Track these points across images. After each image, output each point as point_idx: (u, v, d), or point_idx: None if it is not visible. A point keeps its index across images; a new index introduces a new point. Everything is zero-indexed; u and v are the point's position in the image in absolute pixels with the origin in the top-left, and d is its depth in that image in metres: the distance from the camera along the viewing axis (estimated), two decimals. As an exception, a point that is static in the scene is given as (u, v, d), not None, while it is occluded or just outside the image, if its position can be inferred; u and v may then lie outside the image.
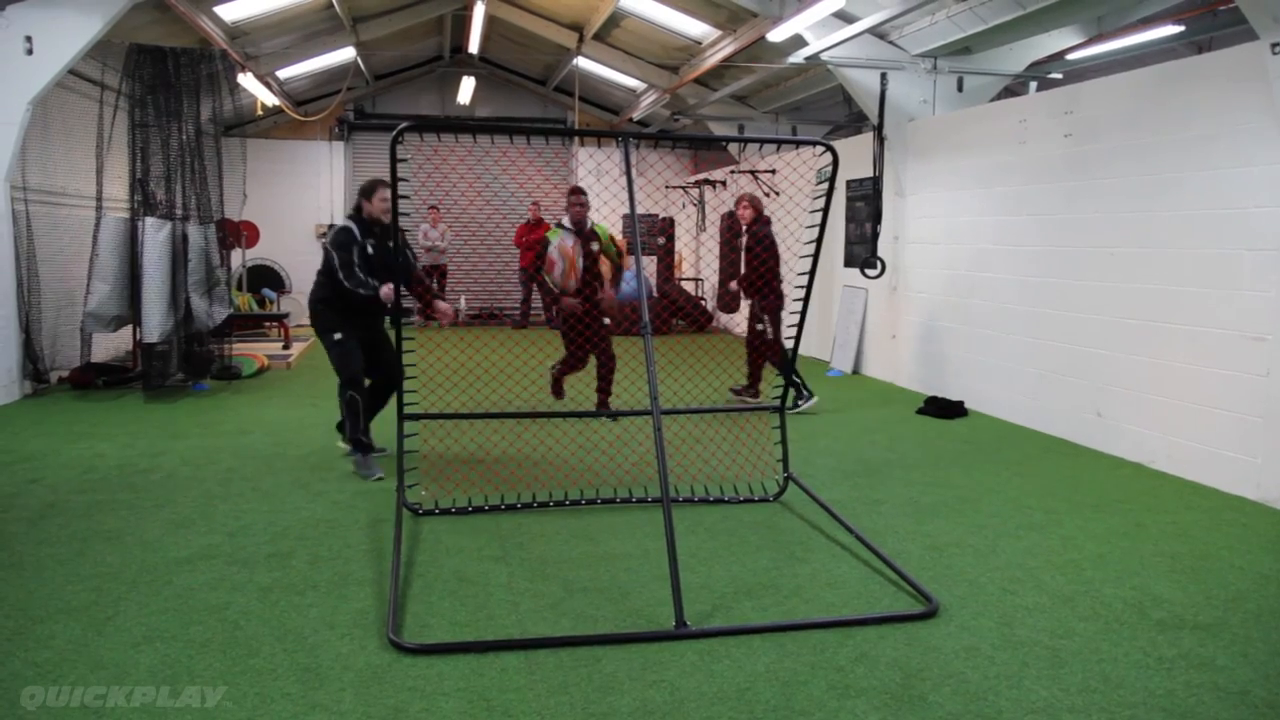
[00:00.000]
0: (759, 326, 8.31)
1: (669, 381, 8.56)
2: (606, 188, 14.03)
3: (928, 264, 9.23)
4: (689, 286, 15.95)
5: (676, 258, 16.28)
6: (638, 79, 14.20)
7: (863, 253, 9.85)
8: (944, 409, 8.11)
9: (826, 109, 13.90)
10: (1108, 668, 3.36)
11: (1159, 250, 6.31)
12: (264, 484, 5.61)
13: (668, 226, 15.83)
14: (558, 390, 7.66)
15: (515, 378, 7.77)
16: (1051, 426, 7.32)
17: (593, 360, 7.54)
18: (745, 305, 8.52)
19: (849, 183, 10.57)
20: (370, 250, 6.03)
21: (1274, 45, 5.27)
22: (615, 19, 12.09)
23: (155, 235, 8.17)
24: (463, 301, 15.82)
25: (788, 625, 3.65)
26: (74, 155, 9.55)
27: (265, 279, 15.38)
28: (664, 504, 3.93)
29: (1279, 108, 5.36)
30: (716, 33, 11.30)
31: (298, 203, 16.39)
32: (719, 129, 14.55)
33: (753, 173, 12.65)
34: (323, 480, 5.72)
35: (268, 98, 12.97)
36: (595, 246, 7.24)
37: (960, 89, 9.42)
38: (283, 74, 13.63)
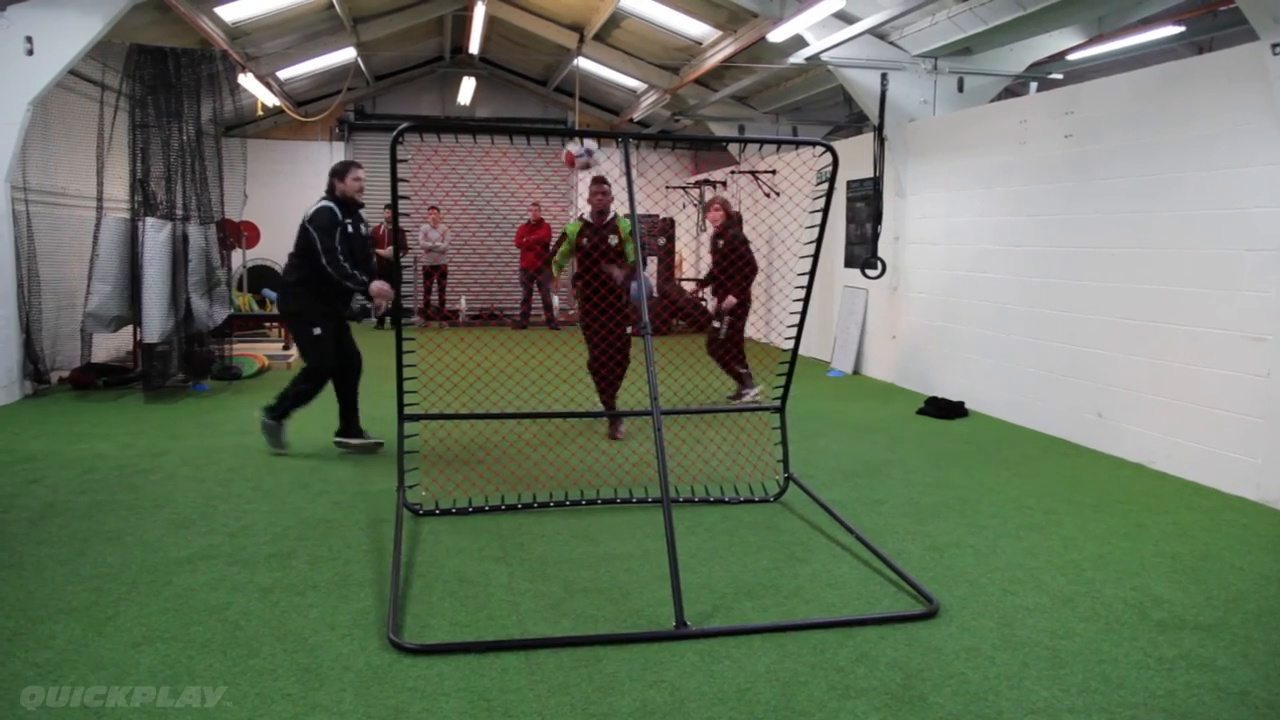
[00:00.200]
0: (715, 325, 8.34)
1: (669, 382, 8.56)
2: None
3: (928, 264, 9.23)
4: (689, 287, 15.95)
5: (677, 258, 16.28)
6: (638, 79, 14.21)
7: (863, 253, 9.85)
8: (944, 409, 8.11)
9: (827, 109, 13.91)
10: (1108, 668, 3.36)
11: (1159, 250, 6.31)
12: (264, 484, 5.61)
13: (668, 227, 15.84)
14: (614, 427, 6.98)
15: (515, 378, 7.76)
16: (1052, 427, 7.32)
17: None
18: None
19: (849, 183, 10.57)
20: (350, 230, 6.22)
21: (1274, 46, 5.27)
22: (615, 19, 12.10)
23: (156, 235, 8.17)
24: (463, 302, 15.82)
25: (788, 625, 3.65)
26: (74, 155, 9.56)
27: (265, 279, 15.36)
28: (664, 504, 3.92)
29: (1279, 108, 5.36)
30: (717, 33, 11.30)
31: (298, 203, 16.13)
32: (719, 129, 14.55)
33: (753, 173, 12.65)
34: (323, 481, 5.72)
35: (268, 98, 12.98)
36: (614, 240, 6.83)
37: (961, 89, 9.42)
38: (283, 74, 13.63)
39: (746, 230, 8.91)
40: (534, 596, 3.94)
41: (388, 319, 14.74)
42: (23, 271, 8.26)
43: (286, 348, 11.37)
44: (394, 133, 4.35)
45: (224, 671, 3.22)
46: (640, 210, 4.91)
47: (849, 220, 10.77)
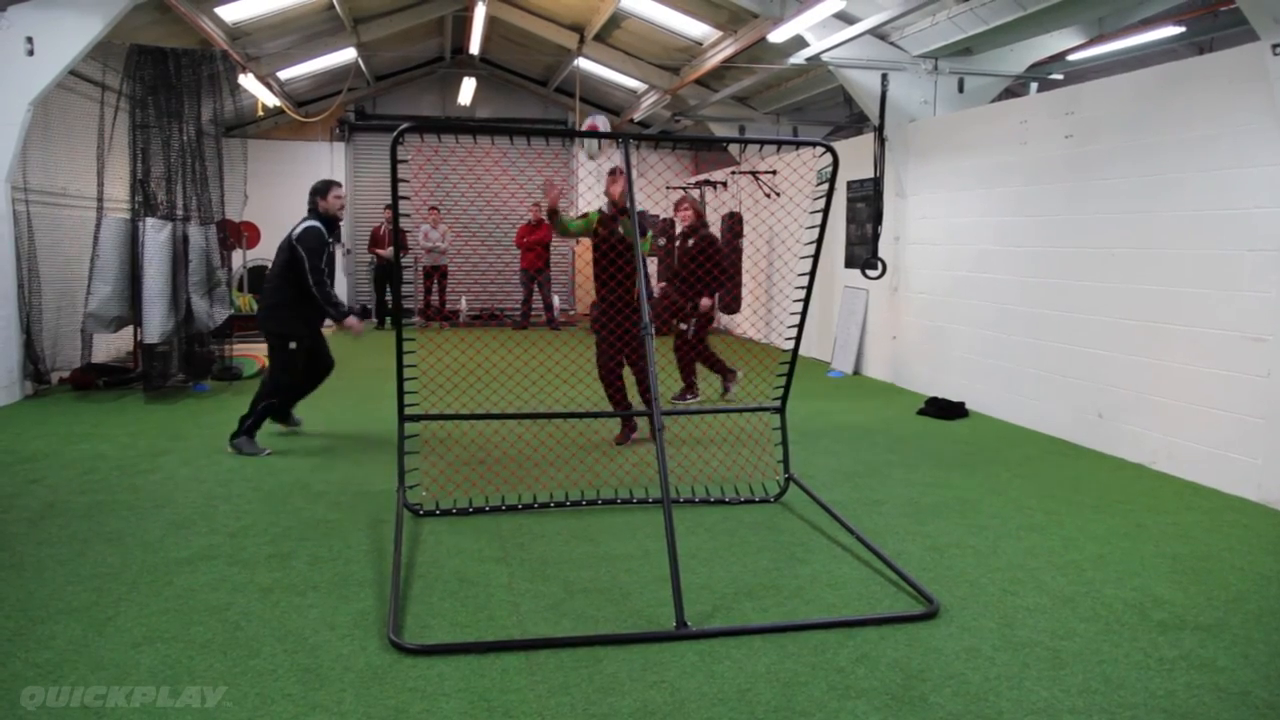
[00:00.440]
0: (683, 327, 8.30)
1: (670, 382, 8.57)
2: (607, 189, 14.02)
3: (928, 265, 9.23)
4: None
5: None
6: (638, 80, 14.21)
7: (863, 254, 9.85)
8: (945, 410, 8.11)
9: (827, 110, 13.91)
10: (1108, 669, 3.36)
11: (1160, 251, 6.31)
12: (265, 485, 5.61)
13: (668, 227, 15.82)
14: (625, 432, 6.78)
15: (516, 378, 7.76)
16: (1052, 427, 7.32)
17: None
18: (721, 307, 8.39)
19: (850, 183, 10.57)
20: (332, 249, 6.52)
21: (1275, 46, 5.27)
22: (616, 20, 12.10)
23: (156, 236, 8.18)
24: (463, 302, 15.82)
25: (788, 626, 3.65)
26: (75, 156, 9.55)
27: (266, 280, 15.37)
28: (664, 505, 3.93)
29: (1279, 108, 5.37)
30: (717, 34, 11.30)
31: (298, 204, 16.05)
32: (720, 130, 14.55)
33: (753, 173, 12.65)
34: (324, 481, 5.72)
35: (268, 98, 12.98)
36: (622, 230, 6.50)
37: (961, 90, 9.42)
38: (284, 75, 13.64)
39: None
40: (534, 597, 3.94)
41: (388, 319, 14.75)
42: (23, 272, 8.27)
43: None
44: (394, 133, 4.35)
45: (224, 672, 3.22)
46: (641, 210, 4.93)
47: (849, 221, 10.76)
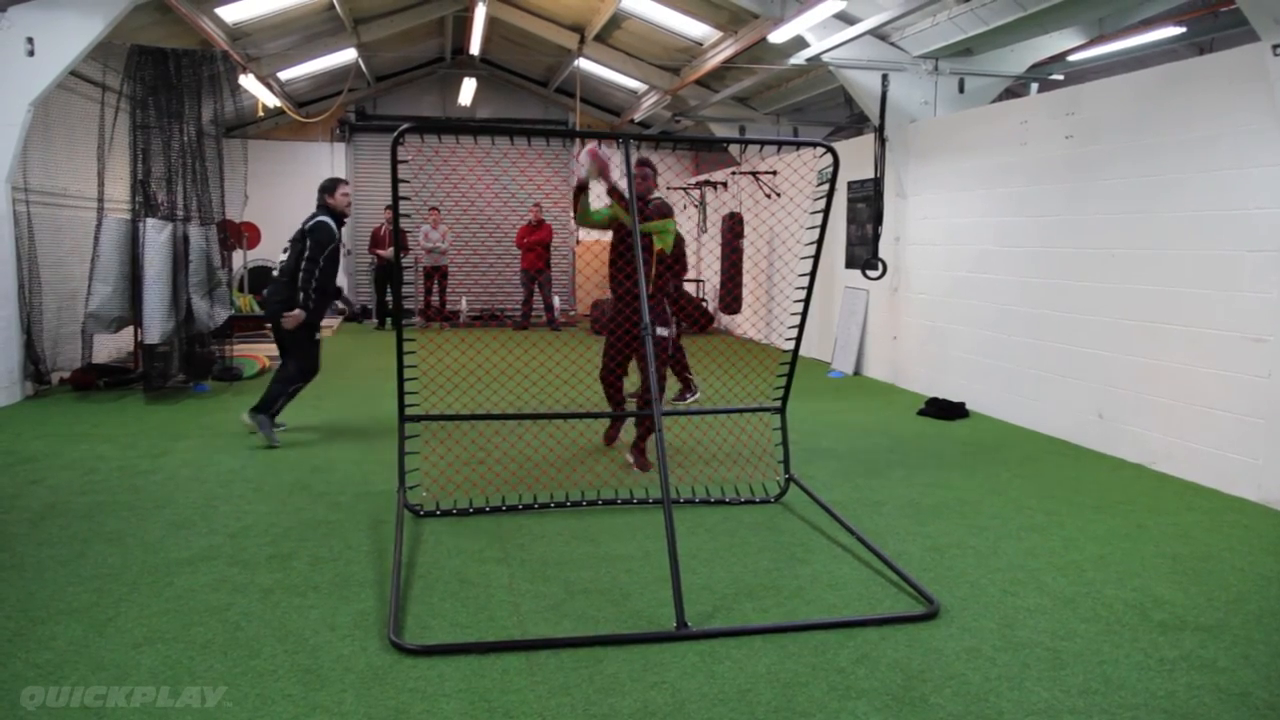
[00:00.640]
0: (662, 332, 8.10)
1: (670, 382, 8.56)
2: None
3: (929, 265, 9.23)
4: (690, 288, 15.95)
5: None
6: (639, 80, 14.21)
7: (864, 254, 9.85)
8: (945, 410, 8.11)
9: (828, 110, 13.92)
10: (1109, 669, 3.36)
11: (1160, 251, 6.31)
12: (265, 485, 5.61)
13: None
14: (638, 462, 6.17)
15: (516, 379, 7.76)
16: (1052, 428, 7.32)
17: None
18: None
19: (850, 184, 10.57)
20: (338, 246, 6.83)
21: (1275, 46, 5.27)
22: (616, 20, 12.10)
23: (156, 236, 8.18)
24: (464, 303, 15.83)
25: (789, 626, 3.65)
26: (75, 156, 9.56)
27: (266, 280, 15.35)
28: (665, 505, 3.92)
29: (1280, 109, 5.37)
30: (717, 34, 11.30)
31: (299, 204, 16.18)
32: (720, 130, 14.56)
33: (754, 174, 12.66)
34: (324, 482, 5.72)
35: (269, 99, 12.98)
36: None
37: (961, 90, 9.42)
38: (284, 75, 13.64)
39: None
40: (535, 597, 3.94)
41: (388, 320, 14.75)
42: (24, 272, 8.27)
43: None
44: (395, 133, 4.36)
45: (225, 672, 3.22)
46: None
47: (850, 221, 10.77)
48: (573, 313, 17.11)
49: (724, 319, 14.37)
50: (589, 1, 11.90)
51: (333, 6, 11.38)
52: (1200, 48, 9.52)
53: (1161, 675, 3.32)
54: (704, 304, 15.21)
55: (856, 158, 9.87)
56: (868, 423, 7.82)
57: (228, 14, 10.46)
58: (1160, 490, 5.78)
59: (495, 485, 5.45)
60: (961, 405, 8.20)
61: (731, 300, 12.20)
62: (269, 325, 6.88)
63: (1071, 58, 9.73)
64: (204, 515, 4.99)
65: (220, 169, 9.19)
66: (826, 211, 5.16)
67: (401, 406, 5.11)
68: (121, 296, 8.46)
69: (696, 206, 15.88)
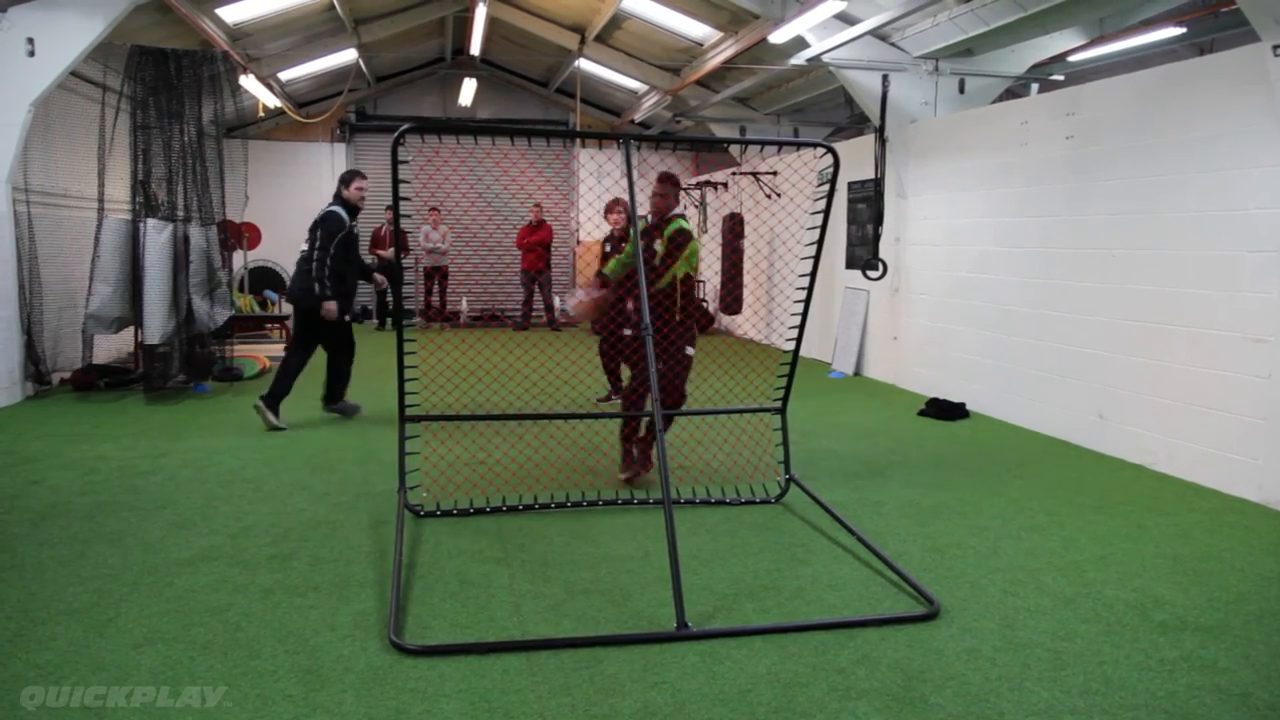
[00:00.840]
0: (627, 332, 8.03)
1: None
2: (608, 189, 14.04)
3: (929, 266, 9.23)
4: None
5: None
6: (639, 81, 14.21)
7: (864, 254, 9.85)
8: (945, 411, 8.11)
9: (828, 111, 13.91)
10: (1109, 670, 3.36)
11: (1160, 252, 6.31)
12: (266, 485, 5.61)
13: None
14: (641, 461, 5.88)
15: (516, 379, 7.76)
16: (1053, 428, 7.31)
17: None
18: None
19: (850, 184, 10.57)
20: (351, 233, 7.29)
21: (1275, 47, 5.27)
22: (617, 21, 12.10)
23: (157, 237, 8.18)
24: (464, 303, 15.83)
25: (789, 627, 3.65)
26: (76, 157, 9.56)
27: (267, 280, 15.39)
28: (665, 505, 3.93)
29: (1280, 109, 5.36)
30: (718, 34, 11.31)
31: (299, 204, 16.32)
32: (720, 131, 14.56)
33: (754, 174, 12.66)
34: (324, 482, 5.72)
35: (269, 99, 12.99)
36: (658, 245, 5.70)
37: (962, 90, 9.42)
38: (284, 76, 13.65)
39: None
40: (535, 598, 3.94)
41: (389, 320, 14.75)
42: (24, 273, 8.27)
43: (288, 349, 11.37)
44: (395, 134, 4.36)
45: (225, 673, 3.22)
46: (641, 211, 4.87)
47: (850, 221, 10.77)
48: (573, 313, 17.09)
49: (724, 319, 14.37)
50: (589, 2, 11.90)
51: (333, 7, 11.39)
52: (1201, 48, 9.52)
53: (1162, 676, 3.32)
54: (704, 304, 15.22)
55: (857, 158, 9.87)
56: (868, 423, 7.82)
57: (228, 14, 10.47)
58: (1160, 491, 5.77)
59: (495, 486, 5.44)
60: (962, 406, 8.20)
61: (732, 301, 12.19)
62: (297, 312, 7.46)
63: (1072, 58, 9.72)
64: (204, 516, 4.99)
65: (220, 169, 9.19)
66: (827, 212, 5.16)
67: (402, 407, 5.11)
68: (122, 297, 8.46)
69: (697, 207, 15.89)
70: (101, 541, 4.53)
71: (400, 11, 12.84)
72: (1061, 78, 9.97)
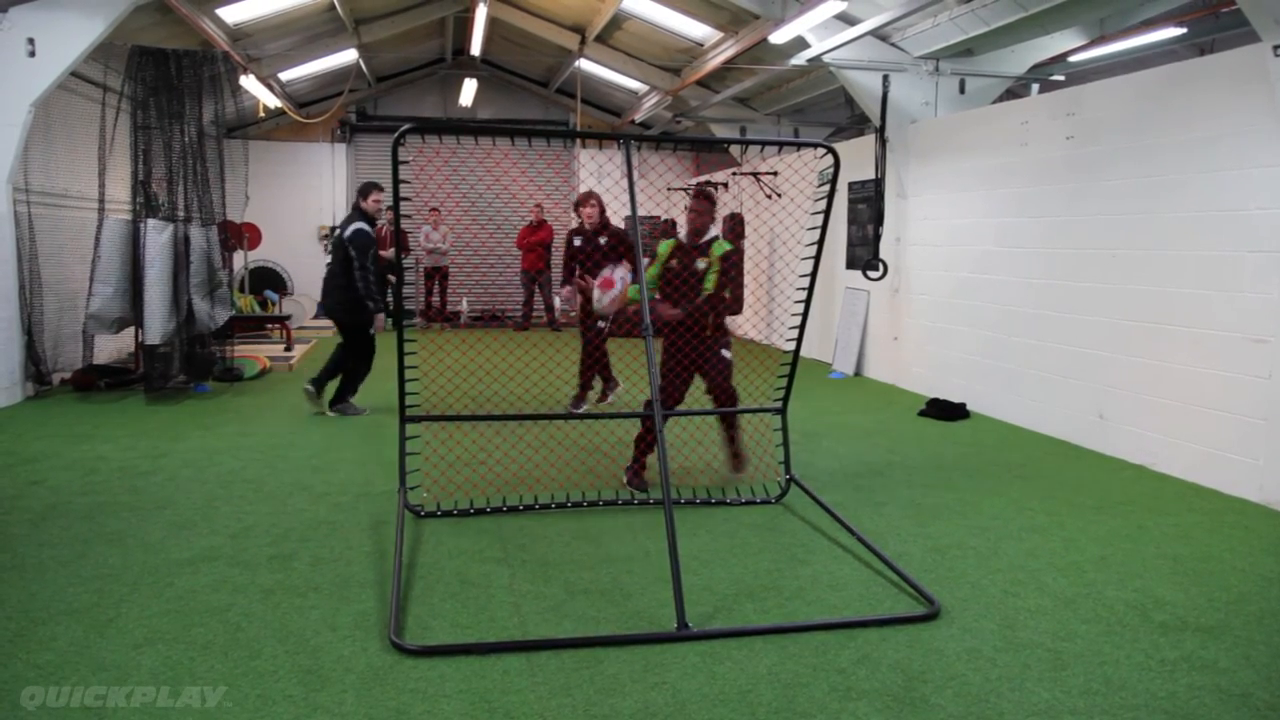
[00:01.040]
0: (600, 324, 7.81)
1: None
2: (608, 190, 14.04)
3: (930, 266, 9.23)
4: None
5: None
6: (639, 81, 14.21)
7: (864, 255, 9.84)
8: (946, 411, 8.10)
9: (828, 111, 13.91)
10: (1109, 670, 3.36)
11: (1161, 252, 6.31)
12: (266, 486, 5.61)
13: (670, 229, 15.84)
14: (637, 477, 5.74)
15: (517, 380, 7.76)
16: (1053, 428, 7.31)
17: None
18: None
19: (851, 185, 10.57)
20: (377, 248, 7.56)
21: (1276, 47, 5.27)
22: (617, 21, 12.10)
23: (157, 237, 8.18)
24: (464, 304, 15.83)
25: (789, 627, 3.65)
26: (76, 157, 9.56)
27: (267, 281, 15.39)
28: (665, 506, 3.93)
29: (1281, 110, 5.36)
30: (718, 35, 11.30)
31: (300, 204, 16.41)
32: (721, 131, 14.56)
33: (754, 174, 12.66)
34: (325, 482, 5.72)
35: (270, 100, 12.99)
36: (701, 264, 5.58)
37: (962, 91, 9.42)
38: (285, 76, 13.65)
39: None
40: (535, 598, 3.94)
41: (389, 320, 14.73)
42: (24, 273, 8.27)
43: (288, 349, 11.38)
44: (395, 134, 4.35)
45: (225, 673, 3.22)
46: (641, 212, 4.83)
47: (850, 222, 10.77)
48: (573, 314, 17.09)
49: (725, 320, 14.35)
50: (589, 2, 11.90)
51: (333, 7, 11.39)
52: (1201, 48, 9.51)
53: (1162, 676, 3.31)
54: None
55: (857, 158, 9.87)
56: (868, 424, 7.82)
57: (228, 15, 10.46)
58: (1161, 491, 5.77)
59: (496, 486, 5.45)
60: (962, 406, 8.20)
61: (732, 300, 12.17)
62: (338, 325, 7.81)
63: (1072, 58, 9.73)
64: (205, 516, 4.99)
65: (221, 170, 9.19)
66: (827, 212, 5.16)
67: (402, 407, 5.11)
68: (122, 297, 8.46)
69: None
70: (102, 542, 4.53)
71: (400, 12, 12.84)
72: (1062, 78, 9.97)
